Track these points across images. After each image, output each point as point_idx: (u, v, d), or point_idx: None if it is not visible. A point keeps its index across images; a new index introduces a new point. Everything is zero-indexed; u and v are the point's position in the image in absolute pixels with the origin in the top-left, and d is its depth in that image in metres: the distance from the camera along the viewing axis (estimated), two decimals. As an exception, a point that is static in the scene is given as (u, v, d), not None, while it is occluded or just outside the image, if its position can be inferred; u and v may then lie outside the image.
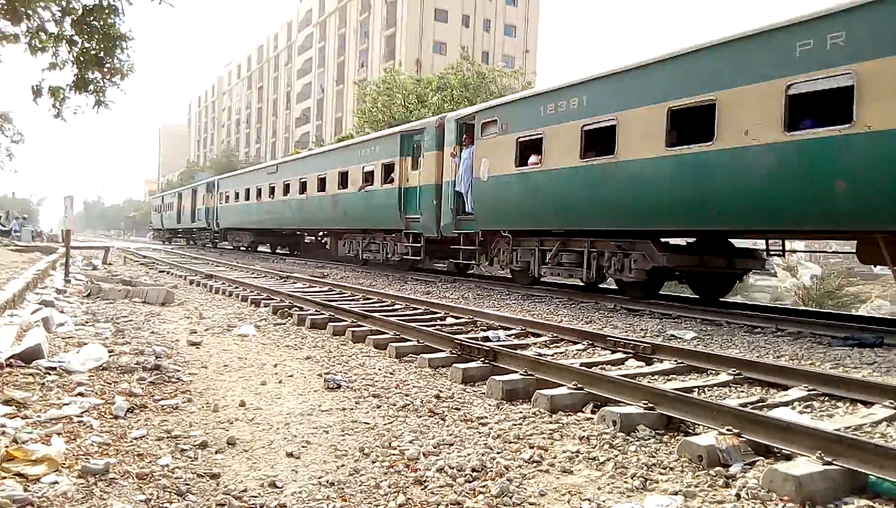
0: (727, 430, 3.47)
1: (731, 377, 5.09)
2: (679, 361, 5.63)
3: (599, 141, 10.45)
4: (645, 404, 3.97)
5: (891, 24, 6.76)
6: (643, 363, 5.76)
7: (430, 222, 14.93)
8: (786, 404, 4.41)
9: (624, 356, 6.01)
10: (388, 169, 16.86)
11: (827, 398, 4.60)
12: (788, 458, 3.25)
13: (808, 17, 7.47)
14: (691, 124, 9.06)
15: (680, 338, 7.43)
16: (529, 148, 11.92)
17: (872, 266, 12.22)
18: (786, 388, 4.77)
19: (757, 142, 7.92)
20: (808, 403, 4.47)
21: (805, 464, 3.07)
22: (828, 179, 7.40)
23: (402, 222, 16.07)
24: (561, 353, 6.40)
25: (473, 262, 14.69)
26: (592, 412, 4.19)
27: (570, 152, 10.75)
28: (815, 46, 7.30)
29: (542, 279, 12.96)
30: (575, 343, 6.71)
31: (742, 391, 4.85)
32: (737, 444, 3.36)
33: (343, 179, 19.08)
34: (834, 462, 3.03)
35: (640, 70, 9.70)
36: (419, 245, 15.76)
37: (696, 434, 3.64)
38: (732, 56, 8.38)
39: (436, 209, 14.72)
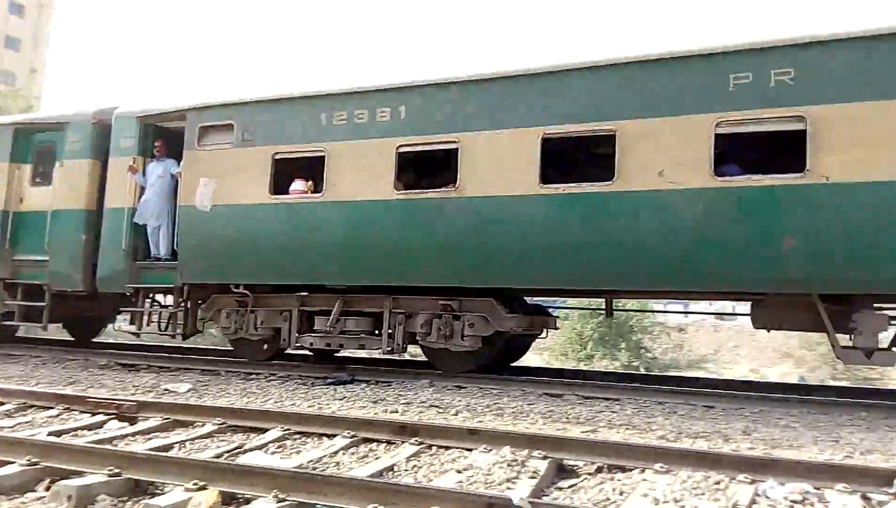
0: (194, 483, 3.42)
1: (216, 427, 5.11)
2: (165, 417, 5.40)
3: (428, 167, 8.50)
4: (111, 470, 3.63)
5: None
6: (126, 424, 5.36)
7: (72, 269, 9.77)
8: (261, 447, 4.65)
9: (105, 417, 5.49)
10: None
11: (299, 435, 5.01)
12: (249, 501, 3.38)
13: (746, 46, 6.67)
14: (574, 158, 7.93)
15: (174, 391, 7.19)
16: (295, 169, 8.72)
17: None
18: (265, 431, 5.04)
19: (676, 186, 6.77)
20: (281, 443, 4.79)
21: (263, 504, 3.24)
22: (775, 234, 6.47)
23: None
24: (27, 422, 5.47)
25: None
26: (47, 489, 3.63)
27: (375, 180, 8.03)
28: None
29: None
30: (47, 409, 5.83)
31: (223, 440, 4.91)
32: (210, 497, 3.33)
33: None
34: (287, 499, 3.28)
35: (504, 81, 7.73)
36: (40, 304, 10.03)
37: (164, 494, 3.49)
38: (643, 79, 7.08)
39: (84, 250, 9.73)
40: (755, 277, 6.53)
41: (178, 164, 9.29)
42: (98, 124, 9.98)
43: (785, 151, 6.51)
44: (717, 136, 6.55)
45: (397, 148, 7.94)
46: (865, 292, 6.38)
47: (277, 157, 8.60)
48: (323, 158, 8.31)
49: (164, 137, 9.65)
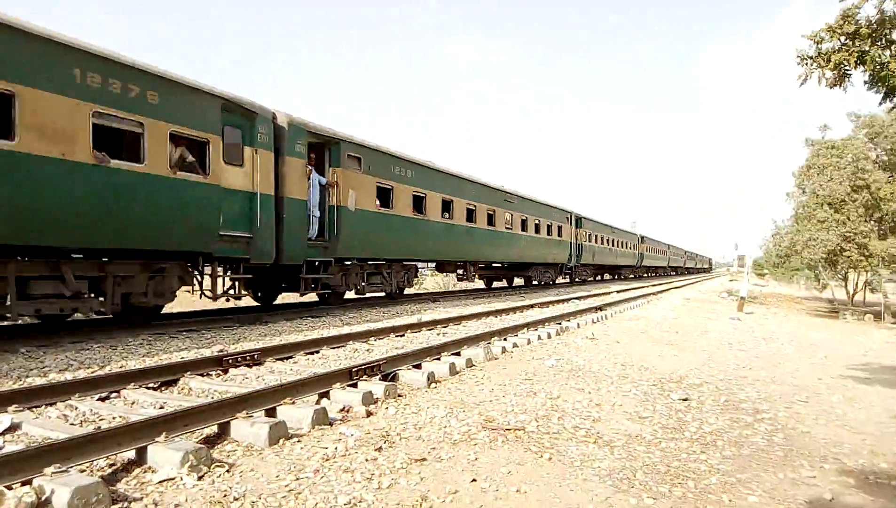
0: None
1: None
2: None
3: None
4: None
5: None
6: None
7: (270, 246, 11.70)
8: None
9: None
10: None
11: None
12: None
13: None
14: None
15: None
16: (384, 193, 15.68)
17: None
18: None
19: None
20: None
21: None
22: None
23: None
24: None
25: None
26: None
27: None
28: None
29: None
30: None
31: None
32: None
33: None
34: None
35: None
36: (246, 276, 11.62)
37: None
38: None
39: (275, 230, 11.83)
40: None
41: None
42: (273, 122, 11.88)
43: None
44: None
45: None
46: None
47: (378, 185, 15.04)
48: (391, 189, 15.72)
49: (315, 150, 13.35)
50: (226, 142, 10.73)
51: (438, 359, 7.44)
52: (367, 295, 16.67)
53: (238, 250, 11.05)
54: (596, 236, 37.16)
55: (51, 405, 5.20)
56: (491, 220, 22.38)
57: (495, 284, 30.24)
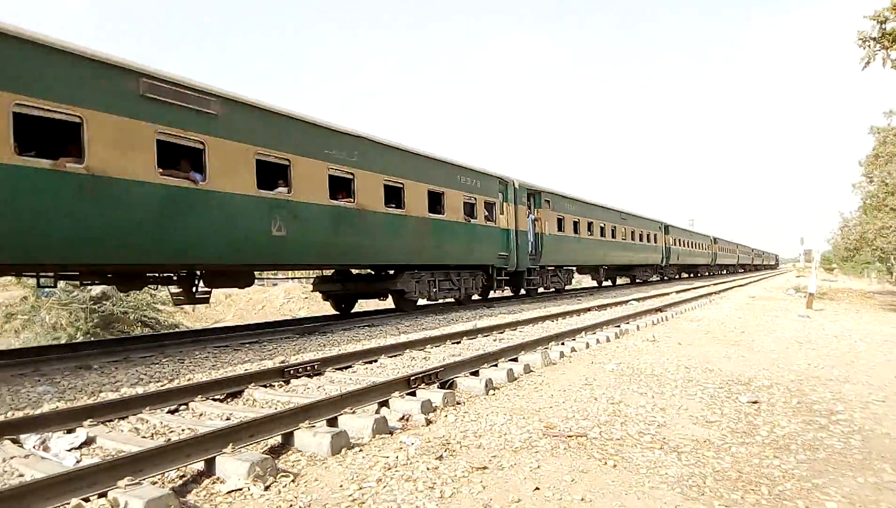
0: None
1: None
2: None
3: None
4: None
5: None
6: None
7: (516, 260, 19.95)
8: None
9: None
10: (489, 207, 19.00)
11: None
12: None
13: None
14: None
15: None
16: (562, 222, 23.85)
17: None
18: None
19: None
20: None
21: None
22: None
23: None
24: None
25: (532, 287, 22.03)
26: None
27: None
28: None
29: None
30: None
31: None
32: None
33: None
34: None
35: None
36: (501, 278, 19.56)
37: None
38: None
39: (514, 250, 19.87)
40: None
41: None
42: (513, 186, 20.09)
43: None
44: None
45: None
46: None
47: (557, 218, 23.07)
48: (563, 219, 23.68)
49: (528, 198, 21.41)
50: (499, 201, 19.16)
51: (496, 366, 7.40)
52: (551, 289, 24.62)
53: (503, 263, 19.10)
54: (679, 240, 43.40)
55: (123, 418, 5.40)
56: (614, 233, 30.08)
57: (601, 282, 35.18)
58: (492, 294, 20.40)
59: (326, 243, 12.06)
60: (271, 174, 11.37)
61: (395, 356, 8.59)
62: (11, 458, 4.30)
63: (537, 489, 3.68)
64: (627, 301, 18.90)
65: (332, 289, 15.71)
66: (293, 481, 3.82)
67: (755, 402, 6.05)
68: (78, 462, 4.35)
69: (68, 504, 3.26)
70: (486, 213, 18.13)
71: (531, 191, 21.14)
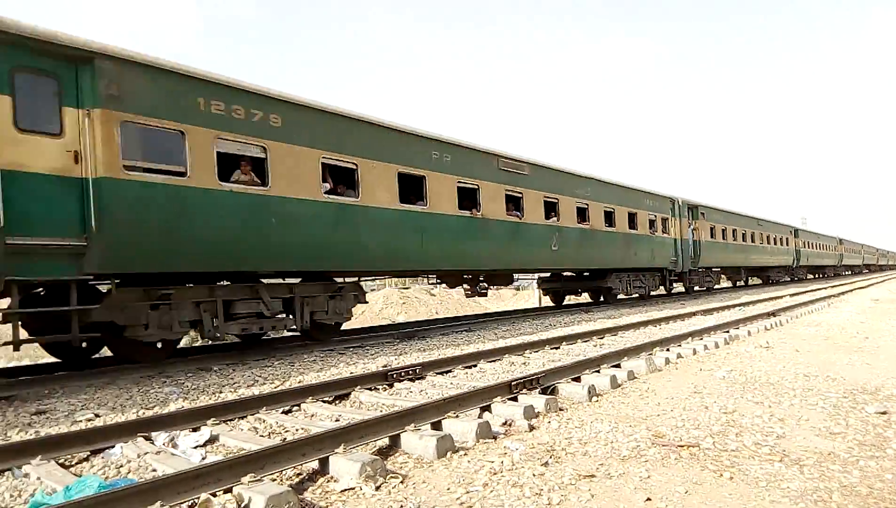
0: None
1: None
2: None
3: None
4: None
5: None
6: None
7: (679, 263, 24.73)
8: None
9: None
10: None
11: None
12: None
13: None
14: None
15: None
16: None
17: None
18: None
19: None
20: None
21: None
22: None
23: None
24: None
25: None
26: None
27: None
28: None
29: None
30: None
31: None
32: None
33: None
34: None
35: None
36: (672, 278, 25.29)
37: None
38: None
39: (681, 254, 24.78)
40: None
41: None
42: (678, 202, 25.08)
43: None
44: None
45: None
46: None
47: (710, 227, 27.75)
48: (714, 227, 28.33)
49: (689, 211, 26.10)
50: (668, 217, 24.01)
51: (598, 371, 7.26)
52: (704, 288, 28.86)
53: (673, 266, 24.03)
54: (808, 242, 46.55)
55: (242, 418, 5.73)
56: (753, 238, 33.68)
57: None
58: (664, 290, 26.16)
59: (576, 252, 18.01)
60: (549, 209, 16.91)
61: (495, 360, 8.62)
62: (145, 454, 4.66)
63: (649, 499, 3.58)
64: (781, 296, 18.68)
65: (553, 287, 22.21)
66: (402, 482, 3.91)
67: (884, 413, 5.60)
68: (203, 458, 4.66)
69: (198, 498, 3.49)
70: (662, 226, 23.43)
71: (690, 206, 25.87)
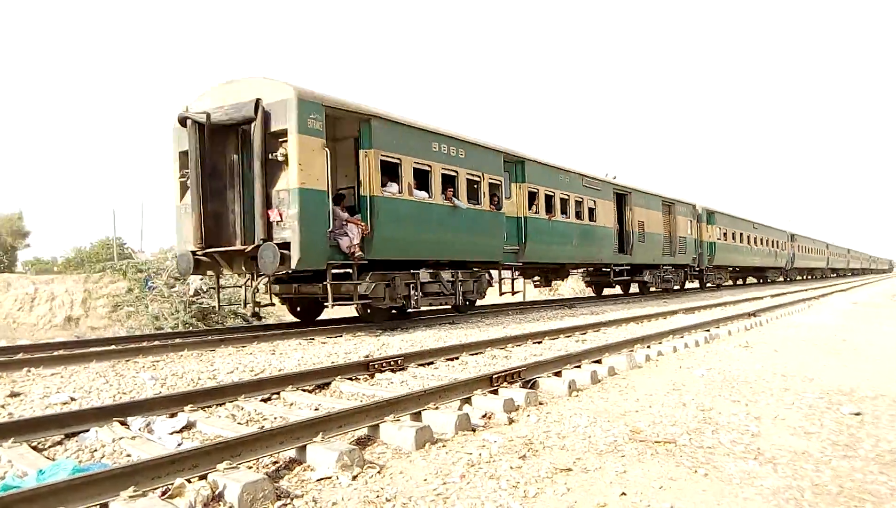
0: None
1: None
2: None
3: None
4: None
5: None
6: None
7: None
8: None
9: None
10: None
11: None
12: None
13: None
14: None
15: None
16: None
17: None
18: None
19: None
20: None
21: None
22: None
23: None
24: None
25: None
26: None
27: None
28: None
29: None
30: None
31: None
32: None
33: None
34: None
35: None
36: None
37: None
38: None
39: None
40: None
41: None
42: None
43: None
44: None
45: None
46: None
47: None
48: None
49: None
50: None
51: (579, 367, 7.29)
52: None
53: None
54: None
55: (220, 405, 5.68)
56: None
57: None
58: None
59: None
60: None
61: (477, 353, 8.63)
62: (120, 439, 4.62)
63: (624, 494, 3.60)
64: (762, 297, 18.21)
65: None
66: (379, 472, 3.91)
67: (858, 414, 5.68)
68: (179, 445, 4.62)
69: (172, 483, 3.46)
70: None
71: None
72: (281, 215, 10.25)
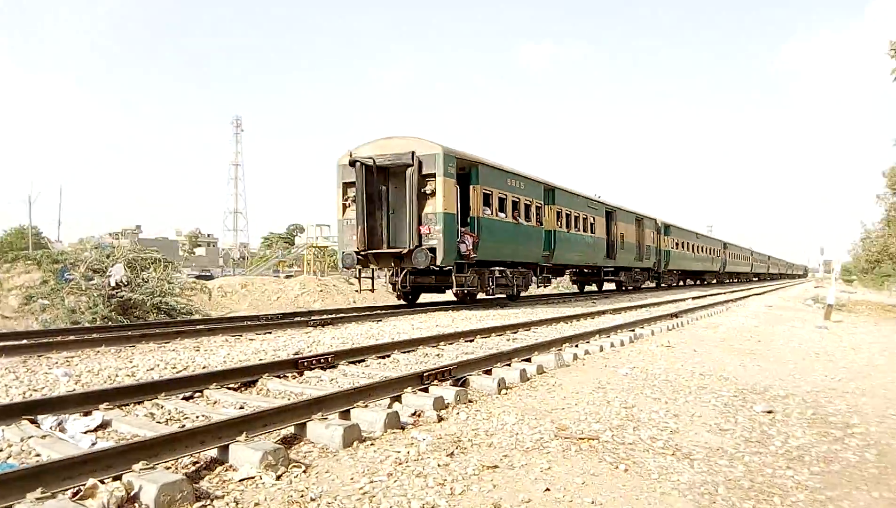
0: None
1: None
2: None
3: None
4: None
5: None
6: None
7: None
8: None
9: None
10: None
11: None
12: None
13: None
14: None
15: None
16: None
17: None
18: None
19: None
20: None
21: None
22: None
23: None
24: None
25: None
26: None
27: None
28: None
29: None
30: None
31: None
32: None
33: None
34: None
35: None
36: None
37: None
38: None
39: None
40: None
41: None
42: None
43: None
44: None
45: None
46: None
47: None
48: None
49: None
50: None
51: (509, 365, 7.39)
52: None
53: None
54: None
55: (139, 403, 5.45)
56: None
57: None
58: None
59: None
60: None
61: (409, 351, 8.61)
62: (29, 438, 4.37)
63: (548, 490, 3.67)
64: (684, 299, 18.84)
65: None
66: (304, 472, 3.84)
67: (770, 412, 5.99)
68: (93, 444, 4.40)
69: (84, 484, 3.30)
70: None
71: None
72: (430, 229, 15.29)
